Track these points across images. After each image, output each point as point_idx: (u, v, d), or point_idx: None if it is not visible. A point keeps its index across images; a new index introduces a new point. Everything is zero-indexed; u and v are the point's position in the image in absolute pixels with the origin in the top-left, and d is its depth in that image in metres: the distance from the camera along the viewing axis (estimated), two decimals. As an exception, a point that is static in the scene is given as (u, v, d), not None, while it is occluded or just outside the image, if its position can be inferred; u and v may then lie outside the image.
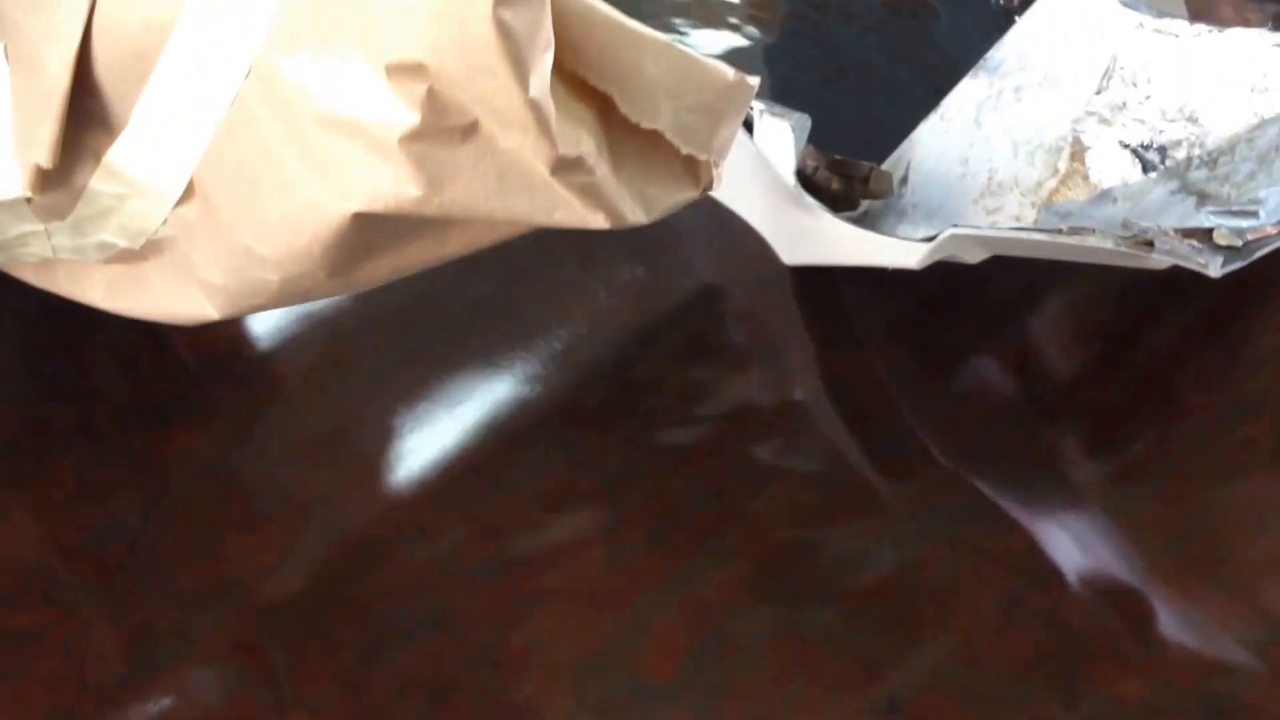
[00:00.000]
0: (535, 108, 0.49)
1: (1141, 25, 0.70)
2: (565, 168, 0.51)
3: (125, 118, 0.62)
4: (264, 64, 0.55)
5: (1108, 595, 0.59)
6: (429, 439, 0.69)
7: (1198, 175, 0.65)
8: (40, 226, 0.67)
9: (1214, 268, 0.56)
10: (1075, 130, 0.69)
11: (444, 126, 0.51)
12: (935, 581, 0.60)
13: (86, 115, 0.62)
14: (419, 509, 0.65)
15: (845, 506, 0.63)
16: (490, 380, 0.70)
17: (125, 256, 0.67)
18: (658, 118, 0.52)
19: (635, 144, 0.53)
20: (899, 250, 0.62)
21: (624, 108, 0.51)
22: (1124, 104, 0.69)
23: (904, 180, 0.70)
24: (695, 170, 0.54)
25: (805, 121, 0.64)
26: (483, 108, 0.50)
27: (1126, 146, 0.69)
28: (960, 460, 0.63)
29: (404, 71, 0.50)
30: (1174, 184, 0.65)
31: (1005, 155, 0.70)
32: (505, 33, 0.47)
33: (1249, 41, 0.66)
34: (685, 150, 0.53)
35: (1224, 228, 0.58)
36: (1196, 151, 0.66)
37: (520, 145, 0.50)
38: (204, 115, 0.59)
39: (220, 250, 0.62)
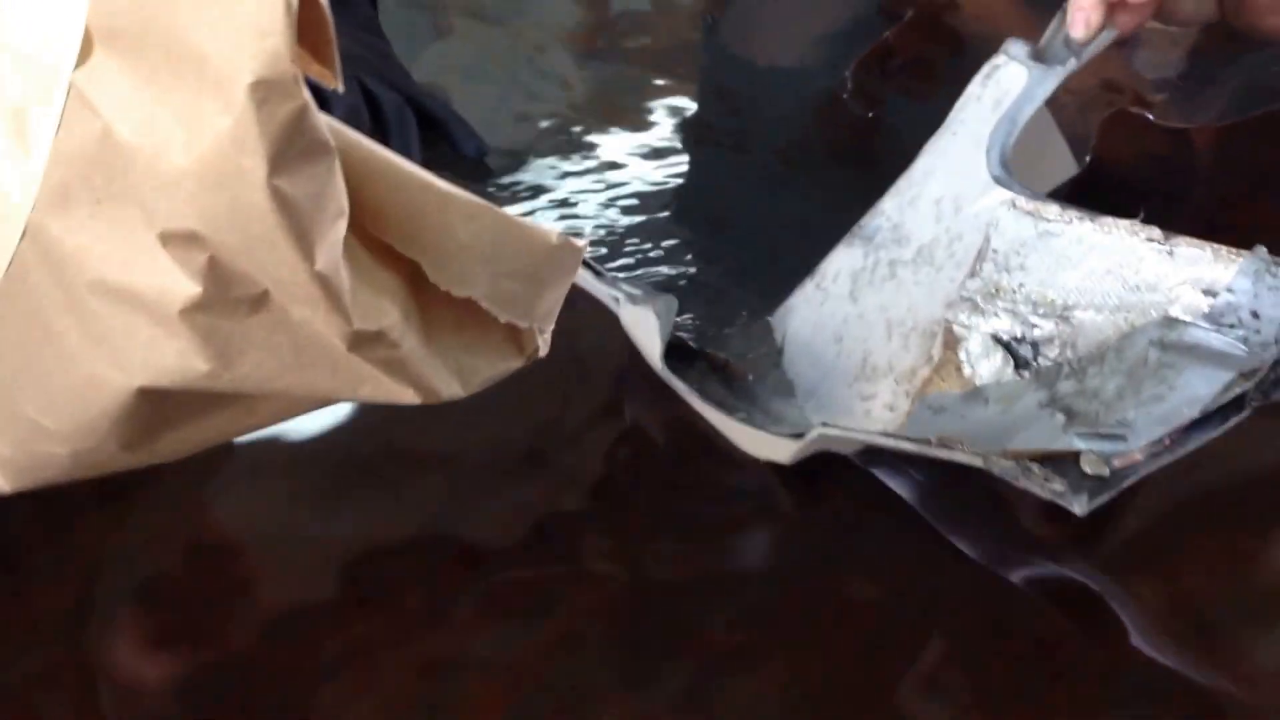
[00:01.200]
0: (323, 281, 0.43)
1: (1014, 204, 0.67)
2: (365, 342, 0.45)
3: None
4: (38, 226, 0.49)
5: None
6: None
7: (1067, 386, 0.62)
8: None
9: (1080, 506, 0.54)
10: (948, 317, 0.66)
11: (229, 298, 0.45)
12: None
13: None
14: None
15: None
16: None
17: None
18: (472, 285, 0.46)
19: (450, 312, 0.47)
20: (770, 444, 0.61)
21: (433, 275, 0.46)
22: (997, 290, 0.66)
23: (780, 350, 0.68)
24: (518, 339, 0.49)
25: (671, 303, 0.62)
26: (268, 279, 0.44)
27: (999, 341, 0.65)
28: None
29: (180, 240, 0.44)
30: (1043, 394, 0.62)
31: (880, 336, 0.67)
32: (283, 203, 0.41)
33: (1121, 236, 0.64)
34: (504, 318, 0.48)
35: (1092, 452, 0.56)
36: (1069, 354, 0.63)
37: (312, 319, 0.45)
38: None
39: (4, 421, 0.55)
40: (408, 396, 0.47)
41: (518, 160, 0.79)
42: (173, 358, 0.48)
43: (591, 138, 0.82)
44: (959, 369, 0.65)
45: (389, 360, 0.46)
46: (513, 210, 0.70)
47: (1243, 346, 0.60)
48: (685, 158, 0.82)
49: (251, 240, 0.43)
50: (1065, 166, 0.80)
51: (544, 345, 0.50)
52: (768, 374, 0.66)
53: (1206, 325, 0.61)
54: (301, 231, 0.42)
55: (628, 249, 0.74)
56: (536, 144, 0.81)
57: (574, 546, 0.59)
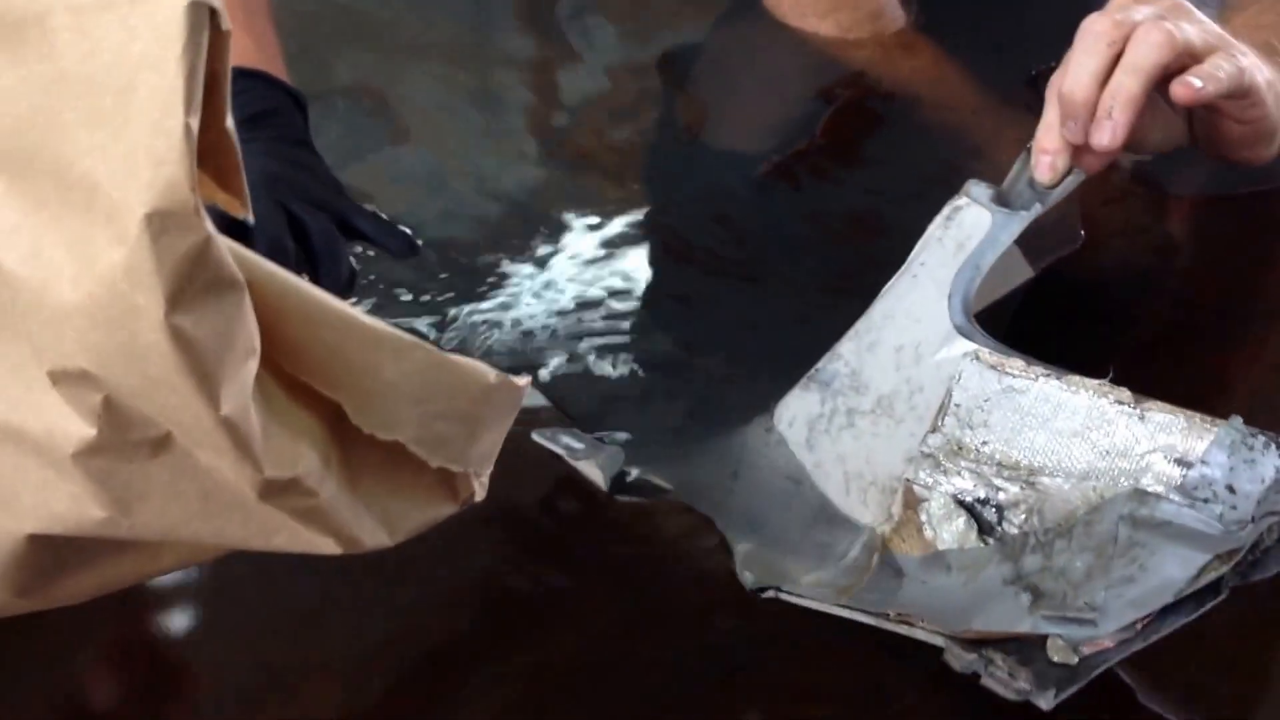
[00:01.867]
0: (230, 427, 0.39)
1: (977, 356, 0.63)
2: (277, 491, 0.41)
3: None
4: None
5: None
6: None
7: (1033, 562, 0.58)
8: None
9: (1046, 702, 0.51)
10: (908, 475, 0.62)
11: (127, 440, 0.41)
12: None
13: None
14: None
15: None
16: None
17: None
18: (399, 427, 0.42)
19: (377, 454, 0.43)
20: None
21: (356, 418, 0.42)
22: (959, 448, 0.62)
23: (734, 475, 0.65)
24: (452, 483, 0.45)
25: (618, 456, 0.61)
26: (170, 421, 0.40)
27: (962, 503, 0.61)
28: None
29: (71, 379, 0.40)
30: (1008, 568, 0.58)
31: (837, 488, 0.64)
32: (183, 343, 0.37)
33: (1089, 397, 0.60)
34: (436, 463, 0.43)
35: (1060, 638, 0.53)
36: (1035, 521, 0.59)
37: (221, 467, 0.40)
38: None
39: None
40: (327, 546, 0.43)
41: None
42: (65, 503, 0.43)
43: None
44: (920, 530, 0.61)
45: (305, 509, 0.42)
46: (478, 307, 0.70)
47: (1218, 524, 0.56)
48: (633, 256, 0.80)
49: (149, 382, 0.38)
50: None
51: (480, 489, 0.45)
52: (718, 504, 0.63)
53: (1179, 500, 0.57)
54: (204, 374, 0.38)
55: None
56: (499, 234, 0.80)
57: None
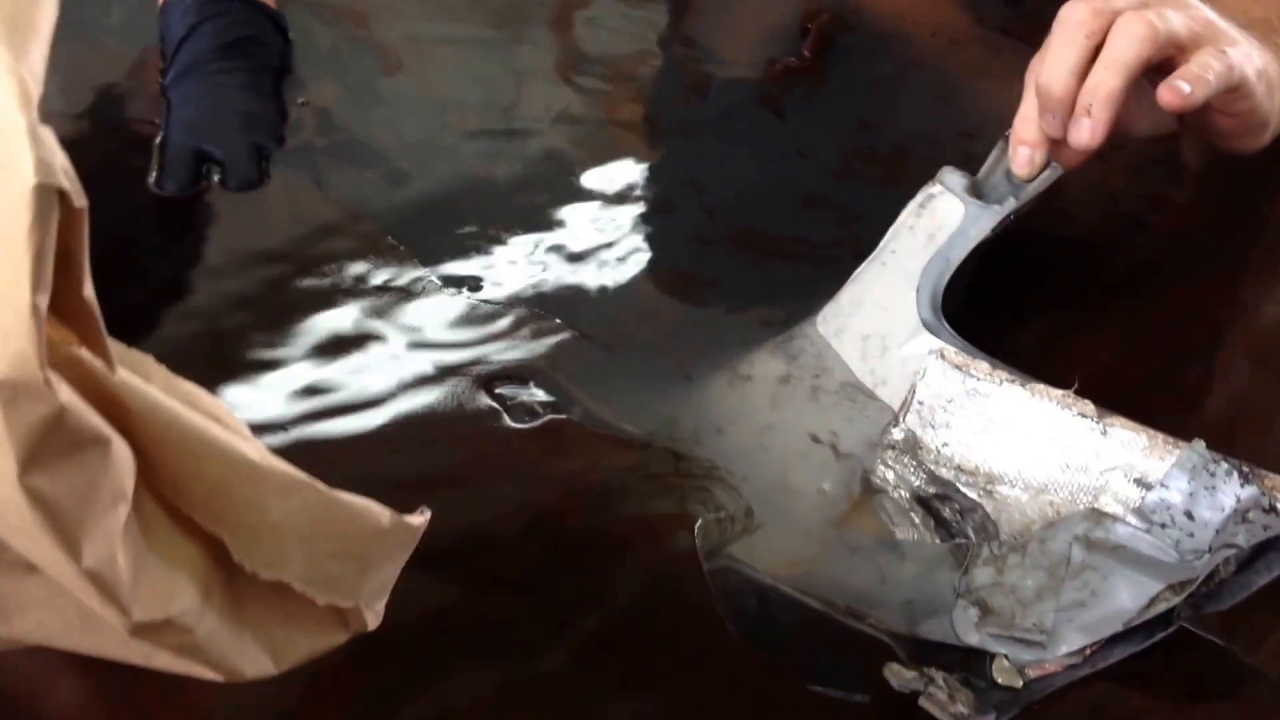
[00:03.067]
0: (94, 577, 0.37)
1: (943, 355, 0.61)
2: (150, 631, 0.39)
3: None
4: None
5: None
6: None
7: (984, 575, 0.56)
8: None
9: None
10: (867, 465, 0.60)
11: (3, 560, 0.39)
12: None
13: None
14: None
15: None
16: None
17: None
18: (284, 567, 0.40)
19: (262, 586, 0.41)
20: None
21: (239, 556, 0.40)
22: (919, 445, 0.60)
23: (719, 430, 0.63)
24: (342, 615, 0.43)
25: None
26: (38, 562, 0.38)
27: (920, 499, 0.60)
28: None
29: None
30: (960, 578, 0.56)
31: (798, 451, 0.62)
32: (40, 501, 0.35)
33: (1052, 408, 0.58)
34: (323, 601, 0.41)
35: (1006, 660, 0.52)
36: (990, 529, 0.58)
37: (89, 601, 0.38)
38: None
39: None
40: (207, 675, 0.41)
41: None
42: None
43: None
44: (875, 515, 0.60)
45: (179, 645, 0.40)
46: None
47: (1174, 552, 0.54)
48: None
49: (11, 530, 0.36)
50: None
51: (374, 619, 0.43)
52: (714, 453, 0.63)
53: (1136, 523, 0.55)
54: (64, 529, 0.36)
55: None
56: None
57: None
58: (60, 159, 0.33)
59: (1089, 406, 0.58)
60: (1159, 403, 0.65)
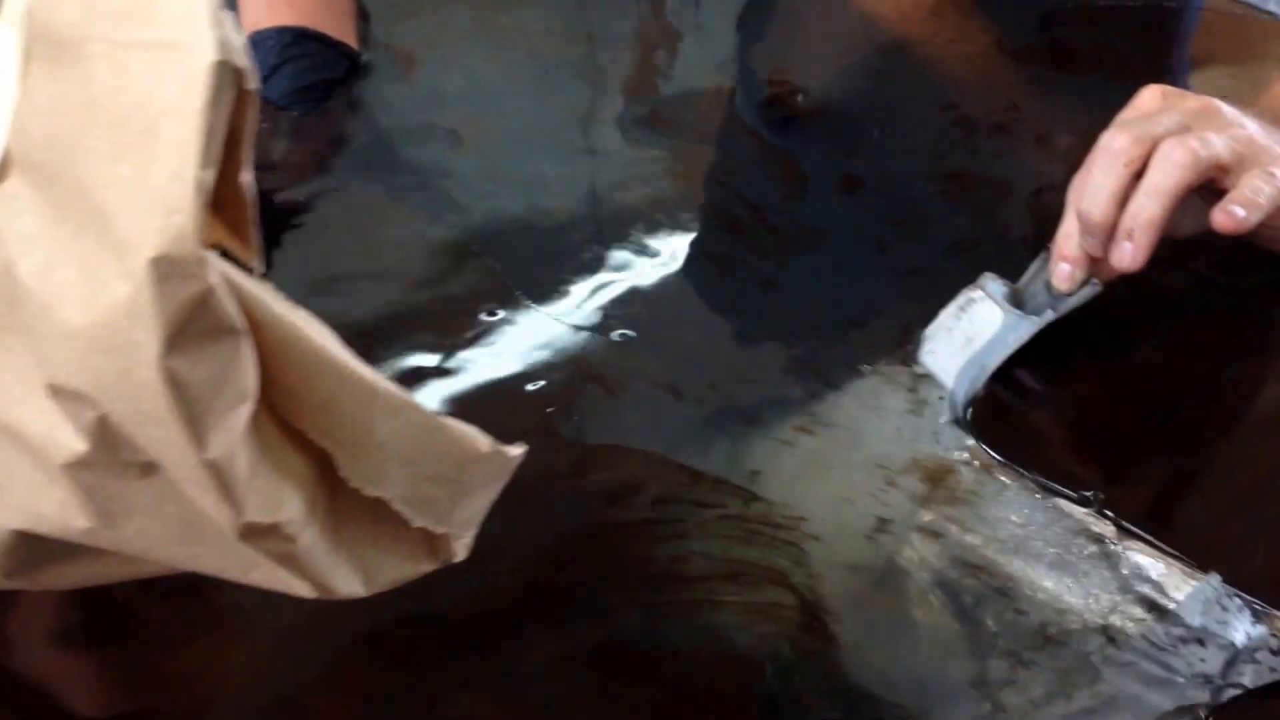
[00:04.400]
0: (214, 469, 0.39)
1: (969, 459, 0.63)
2: (257, 534, 0.41)
3: None
4: None
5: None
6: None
7: (999, 668, 0.56)
8: None
9: None
10: (893, 547, 0.61)
11: (117, 460, 0.41)
12: None
13: None
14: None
15: None
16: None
17: None
18: (385, 485, 0.42)
19: (361, 506, 0.43)
20: None
21: (345, 470, 0.42)
22: (945, 532, 0.61)
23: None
24: (433, 542, 0.45)
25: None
26: (156, 453, 0.40)
27: (941, 582, 0.60)
28: None
29: (68, 396, 0.40)
30: (975, 668, 0.56)
31: (838, 521, 0.62)
32: (176, 384, 0.37)
33: (1074, 523, 0.60)
34: (418, 523, 0.43)
35: None
36: (1009, 617, 0.58)
37: (203, 502, 0.40)
38: None
39: None
40: (301, 589, 0.43)
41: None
42: (53, 507, 0.43)
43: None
44: (895, 595, 0.60)
45: (281, 554, 0.42)
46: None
47: (1182, 678, 0.56)
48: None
49: (141, 413, 0.38)
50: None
51: (462, 550, 0.45)
52: None
53: (1148, 646, 0.57)
54: (194, 415, 0.38)
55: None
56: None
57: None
58: (239, 41, 0.35)
59: (1109, 528, 0.60)
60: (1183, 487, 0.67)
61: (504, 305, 0.72)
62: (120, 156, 0.36)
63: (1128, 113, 0.71)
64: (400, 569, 0.45)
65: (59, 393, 0.40)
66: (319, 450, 0.42)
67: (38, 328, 0.40)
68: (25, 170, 0.40)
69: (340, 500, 0.43)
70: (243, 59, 0.36)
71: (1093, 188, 0.67)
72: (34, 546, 0.46)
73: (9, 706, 0.54)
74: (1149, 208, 0.65)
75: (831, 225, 0.79)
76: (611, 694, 0.55)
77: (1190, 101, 0.70)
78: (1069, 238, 0.68)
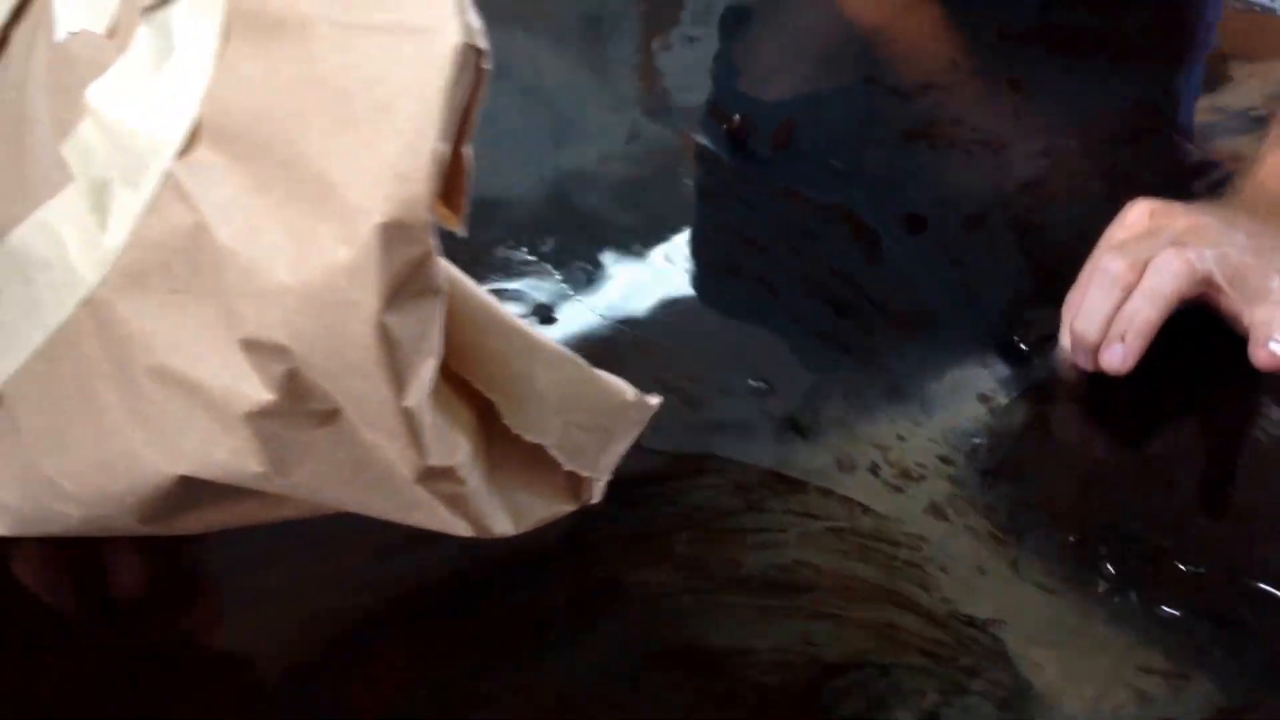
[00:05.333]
0: (409, 417, 0.43)
1: None
2: (433, 477, 0.45)
3: None
4: (103, 301, 0.48)
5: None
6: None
7: None
8: None
9: None
10: None
11: (300, 410, 0.45)
12: None
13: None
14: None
15: None
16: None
17: None
18: (544, 432, 0.46)
19: (516, 452, 0.47)
20: None
21: (508, 418, 0.46)
22: None
23: None
24: (576, 485, 0.49)
25: None
26: (346, 402, 0.44)
27: None
28: None
29: (264, 350, 0.44)
30: None
31: None
32: (387, 339, 0.41)
33: None
34: (569, 466, 0.48)
35: None
36: None
37: (386, 448, 0.44)
38: (22, 336, 0.52)
39: (18, 472, 0.55)
40: (460, 529, 0.47)
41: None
42: (225, 455, 0.47)
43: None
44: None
45: (452, 495, 0.46)
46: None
47: None
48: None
49: (344, 366, 0.42)
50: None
51: (599, 493, 0.50)
52: None
53: None
54: (398, 368, 0.42)
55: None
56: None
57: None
58: (480, 24, 0.39)
59: None
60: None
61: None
62: (345, 131, 0.40)
63: (1117, 230, 0.73)
64: (546, 510, 0.49)
65: (253, 347, 0.44)
66: (483, 401, 0.46)
67: (237, 287, 0.44)
68: (220, 142, 0.44)
69: (495, 447, 0.47)
70: (484, 41, 0.39)
71: (1088, 308, 0.70)
72: (191, 491, 0.50)
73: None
74: (1144, 311, 0.68)
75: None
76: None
77: (1180, 220, 0.72)
78: (1062, 352, 0.72)
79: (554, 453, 0.47)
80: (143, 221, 0.46)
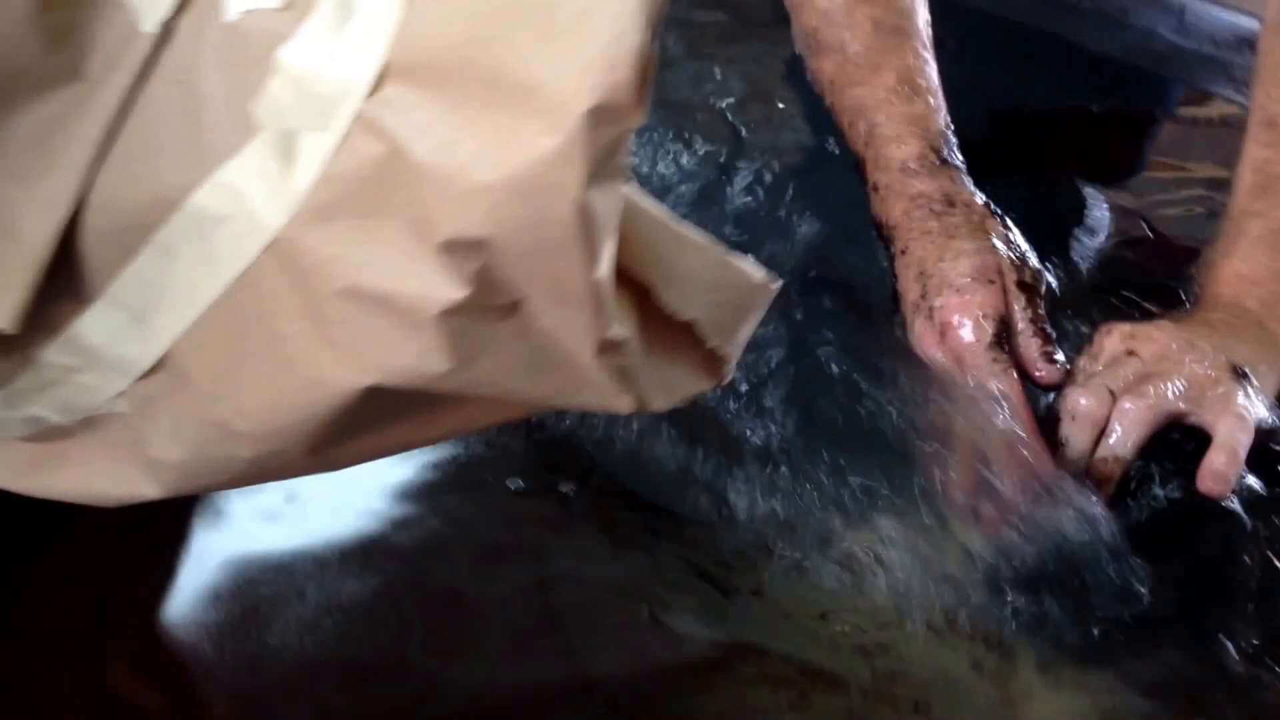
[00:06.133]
0: (597, 289, 0.50)
1: None
2: (609, 349, 0.52)
3: (99, 289, 0.60)
4: (288, 240, 0.55)
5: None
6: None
7: None
8: None
9: None
10: None
11: (488, 303, 0.52)
12: None
13: (55, 284, 0.61)
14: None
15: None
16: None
17: (48, 434, 0.65)
18: (694, 309, 0.54)
19: (665, 333, 0.54)
20: None
21: (664, 297, 0.53)
22: None
23: None
24: (714, 364, 0.56)
25: None
26: (536, 286, 0.51)
27: None
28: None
29: (461, 247, 0.50)
30: None
31: None
32: (586, 215, 0.48)
33: None
34: (712, 343, 0.55)
35: None
36: None
37: (572, 323, 0.51)
38: (198, 292, 0.58)
39: (186, 425, 0.60)
40: (624, 404, 0.54)
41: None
42: (413, 357, 0.53)
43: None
44: None
45: (622, 368, 0.53)
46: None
47: None
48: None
49: (542, 247, 0.49)
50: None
51: (730, 372, 0.57)
52: None
53: None
54: (592, 241, 0.49)
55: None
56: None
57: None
58: None
59: None
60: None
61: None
62: (549, 38, 0.47)
63: (1087, 361, 0.80)
64: (692, 386, 0.56)
65: (451, 247, 0.50)
66: (637, 285, 0.54)
67: (433, 198, 0.51)
68: (409, 76, 0.51)
69: (649, 328, 0.54)
70: None
71: (1067, 450, 0.75)
72: (371, 406, 0.55)
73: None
74: (1112, 467, 0.75)
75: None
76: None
77: (1146, 346, 0.78)
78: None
79: (701, 328, 0.54)
80: (332, 160, 0.53)
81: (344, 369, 0.55)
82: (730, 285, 0.54)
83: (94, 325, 0.61)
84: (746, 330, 0.56)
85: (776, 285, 0.56)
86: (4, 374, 0.63)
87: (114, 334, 0.60)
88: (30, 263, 0.59)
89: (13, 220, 0.60)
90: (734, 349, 0.56)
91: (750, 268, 0.55)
